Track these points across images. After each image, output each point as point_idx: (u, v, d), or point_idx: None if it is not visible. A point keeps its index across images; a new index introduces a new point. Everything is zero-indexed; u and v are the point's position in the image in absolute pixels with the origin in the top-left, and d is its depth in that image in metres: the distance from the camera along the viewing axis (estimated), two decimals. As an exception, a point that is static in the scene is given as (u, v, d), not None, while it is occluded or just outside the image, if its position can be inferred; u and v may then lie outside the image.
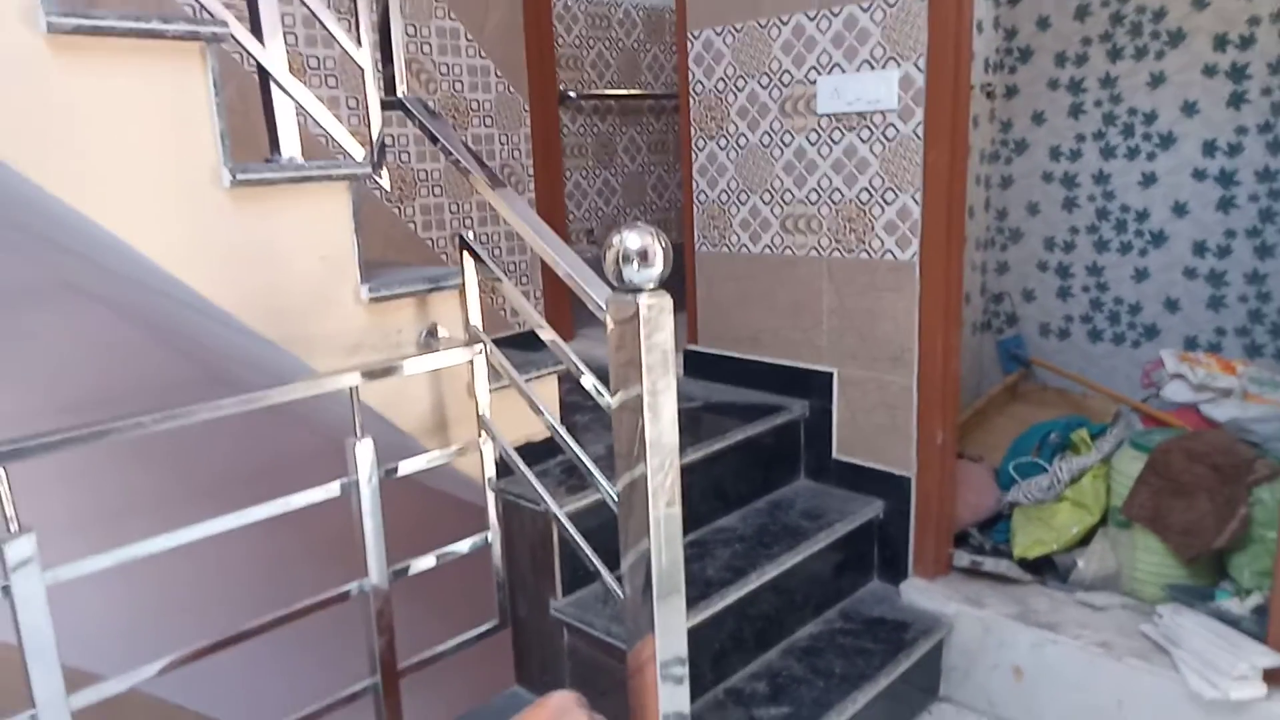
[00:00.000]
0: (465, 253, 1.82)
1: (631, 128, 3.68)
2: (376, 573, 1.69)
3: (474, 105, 3.06)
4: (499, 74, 3.11)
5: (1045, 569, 2.35)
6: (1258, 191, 2.80)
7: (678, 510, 1.52)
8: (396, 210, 2.87)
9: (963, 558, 2.38)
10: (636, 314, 1.41)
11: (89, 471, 2.25)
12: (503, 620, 1.99)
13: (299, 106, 1.63)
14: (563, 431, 1.71)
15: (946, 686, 2.28)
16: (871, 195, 2.26)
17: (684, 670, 1.58)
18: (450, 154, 1.77)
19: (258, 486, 1.64)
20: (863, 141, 2.25)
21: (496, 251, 3.19)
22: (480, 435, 1.89)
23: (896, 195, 2.22)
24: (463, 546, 1.88)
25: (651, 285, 1.43)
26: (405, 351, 1.82)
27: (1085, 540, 2.33)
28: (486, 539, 1.92)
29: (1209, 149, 2.87)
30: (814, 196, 2.39)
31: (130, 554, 1.37)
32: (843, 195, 2.33)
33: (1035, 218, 3.26)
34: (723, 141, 2.57)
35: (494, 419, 1.90)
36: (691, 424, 2.37)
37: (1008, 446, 2.66)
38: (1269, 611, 1.86)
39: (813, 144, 2.36)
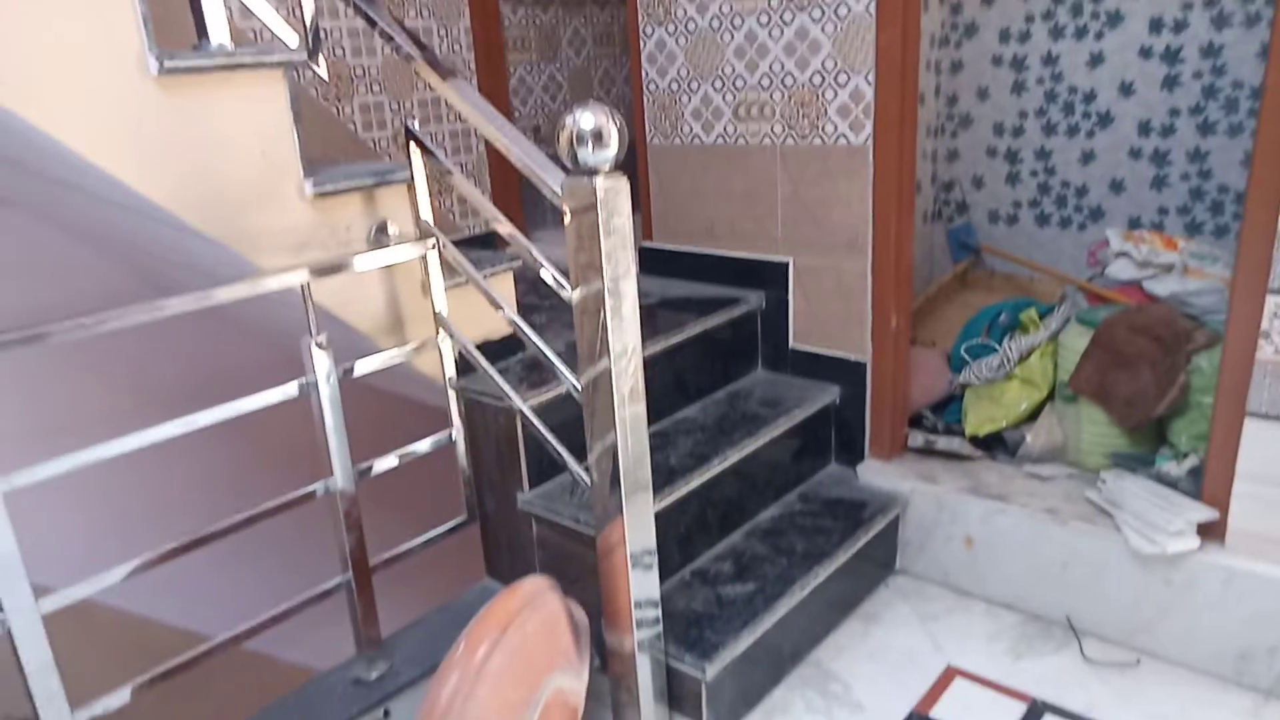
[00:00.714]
0: (412, 144, 1.76)
1: (575, 18, 3.55)
2: (341, 472, 1.68)
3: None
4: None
5: (995, 445, 2.43)
6: (1201, 68, 2.82)
7: (641, 396, 1.53)
8: (335, 109, 2.76)
9: (917, 438, 2.45)
10: (594, 197, 1.39)
11: (35, 387, 2.18)
12: (470, 515, 2.01)
13: (226, -9, 1.53)
14: (523, 325, 1.70)
15: (902, 560, 2.37)
16: (824, 78, 2.23)
17: (653, 556, 1.62)
18: (391, 40, 1.69)
19: (211, 397, 1.61)
20: (814, 21, 2.20)
21: (442, 152, 3.09)
22: (438, 333, 1.86)
23: (849, 77, 2.18)
24: (425, 445, 1.88)
25: (607, 167, 1.41)
26: (355, 249, 1.77)
27: (1034, 416, 2.41)
28: (450, 437, 1.92)
29: (1155, 26, 2.86)
30: (766, 82, 2.34)
31: (88, 458, 1.34)
32: (795, 79, 2.29)
33: (985, 103, 3.26)
34: (671, 27, 2.50)
35: (451, 317, 1.87)
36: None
37: (957, 332, 2.71)
38: (1203, 471, 1.96)
39: (764, 26, 2.30)
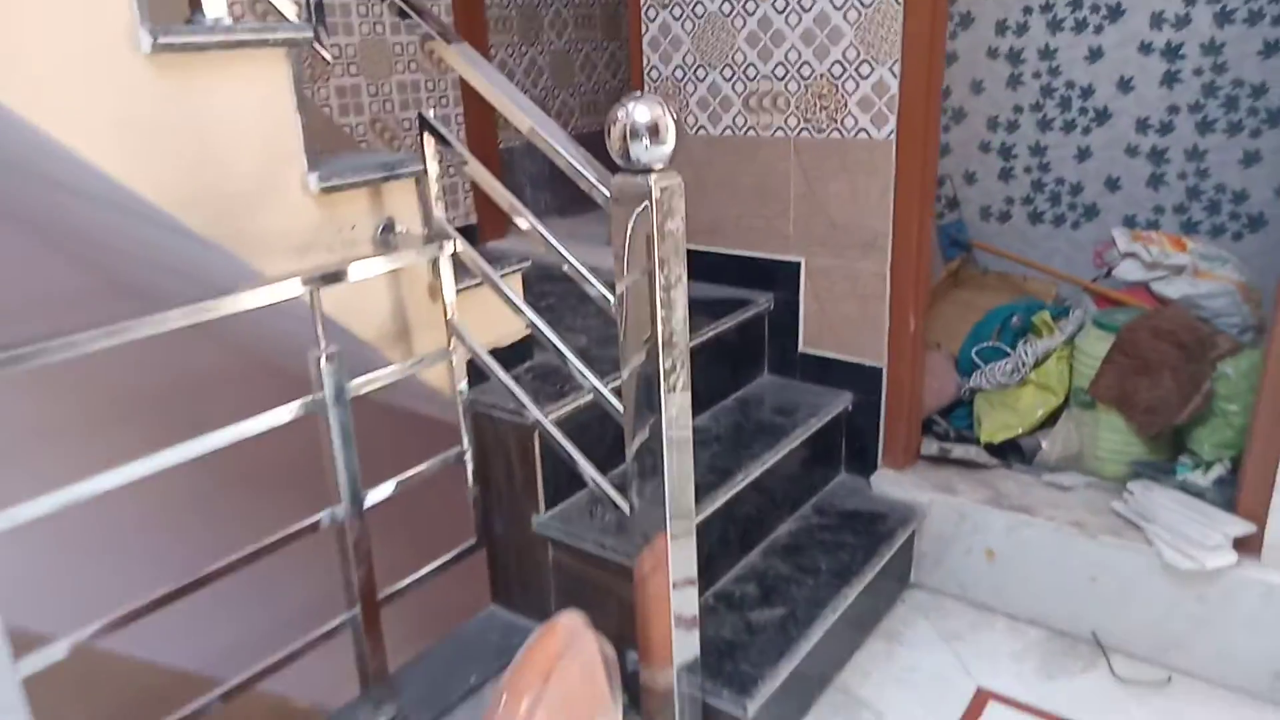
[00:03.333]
0: (427, 134, 1.59)
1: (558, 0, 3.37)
2: (349, 498, 1.52)
3: (380, -29, 2.71)
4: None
5: (1010, 452, 2.37)
6: (1202, 65, 2.79)
7: (689, 416, 1.41)
8: (308, 93, 2.55)
9: (930, 446, 2.37)
10: (649, 197, 1.25)
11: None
12: (479, 539, 1.86)
13: (222, -44, 1.34)
14: (553, 335, 1.55)
15: (917, 573, 2.29)
16: (845, 69, 2.12)
17: (694, 584, 1.51)
18: (407, 16, 1.51)
19: (170, 411, 1.43)
20: (836, 8, 2.09)
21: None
22: (450, 342, 1.70)
23: (873, 68, 2.07)
24: (433, 465, 1.72)
25: (662, 164, 1.27)
26: (360, 250, 1.60)
27: (1049, 422, 2.35)
28: (460, 455, 1.76)
29: (1156, 21, 2.82)
30: (781, 71, 2.22)
31: (68, 498, 1.16)
32: (813, 69, 2.17)
33: (979, 96, 3.19)
34: (677, 11, 2.35)
35: (461, 323, 1.71)
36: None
37: (958, 332, 2.63)
38: (1238, 482, 1.91)
39: (780, 12, 2.17)
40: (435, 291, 1.73)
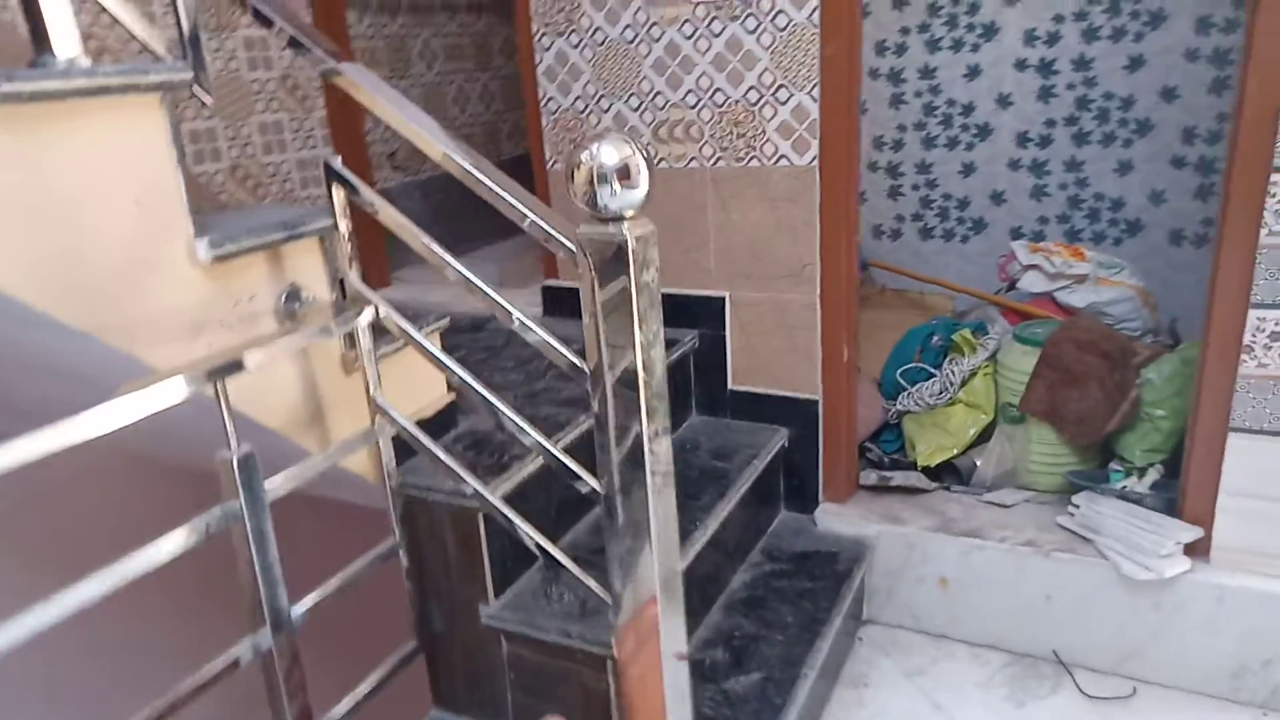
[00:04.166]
0: (336, 185, 1.37)
1: (425, 29, 3.16)
2: (275, 622, 1.27)
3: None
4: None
5: (945, 473, 2.33)
6: (1074, 80, 2.89)
7: (673, 480, 1.26)
8: (232, 131, 2.25)
9: (869, 476, 2.31)
10: (625, 249, 1.10)
11: None
12: (420, 640, 1.63)
13: (73, -18, 1.10)
14: (492, 398, 1.36)
15: (870, 608, 2.22)
16: (762, 95, 2.03)
17: (685, 647, 1.36)
18: (302, 44, 1.30)
19: (50, 539, 1.16)
20: (749, 33, 2.00)
21: (287, 185, 2.63)
22: (374, 421, 1.48)
23: (791, 93, 2.00)
24: (365, 564, 1.48)
25: (633, 211, 1.12)
26: (262, 325, 1.36)
27: (980, 440, 2.34)
28: (393, 548, 1.54)
29: (1029, 38, 2.91)
30: (692, 99, 2.11)
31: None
32: (727, 96, 2.07)
33: (863, 116, 3.20)
34: (574, 38, 2.21)
35: (384, 397, 1.50)
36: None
37: (873, 354, 2.60)
38: (1180, 486, 1.93)
39: (688, 38, 2.07)
40: (349, 363, 1.51)
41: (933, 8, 2.99)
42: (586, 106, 2.25)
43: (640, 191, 1.10)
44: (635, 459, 1.19)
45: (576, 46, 2.21)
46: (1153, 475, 2.08)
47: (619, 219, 1.12)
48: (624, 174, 1.09)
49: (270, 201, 2.58)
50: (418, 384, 1.66)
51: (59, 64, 1.10)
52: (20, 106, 1.02)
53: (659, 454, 1.21)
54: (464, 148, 1.28)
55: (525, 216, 1.19)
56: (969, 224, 3.17)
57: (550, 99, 2.30)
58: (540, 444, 1.31)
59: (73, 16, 1.12)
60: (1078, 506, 2.06)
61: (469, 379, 1.37)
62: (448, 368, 1.37)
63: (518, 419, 1.33)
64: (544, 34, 2.24)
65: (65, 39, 1.10)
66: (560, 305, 2.46)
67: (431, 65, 3.20)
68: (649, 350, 1.17)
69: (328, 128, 2.75)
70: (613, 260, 1.12)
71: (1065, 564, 1.98)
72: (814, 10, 1.91)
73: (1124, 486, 2.07)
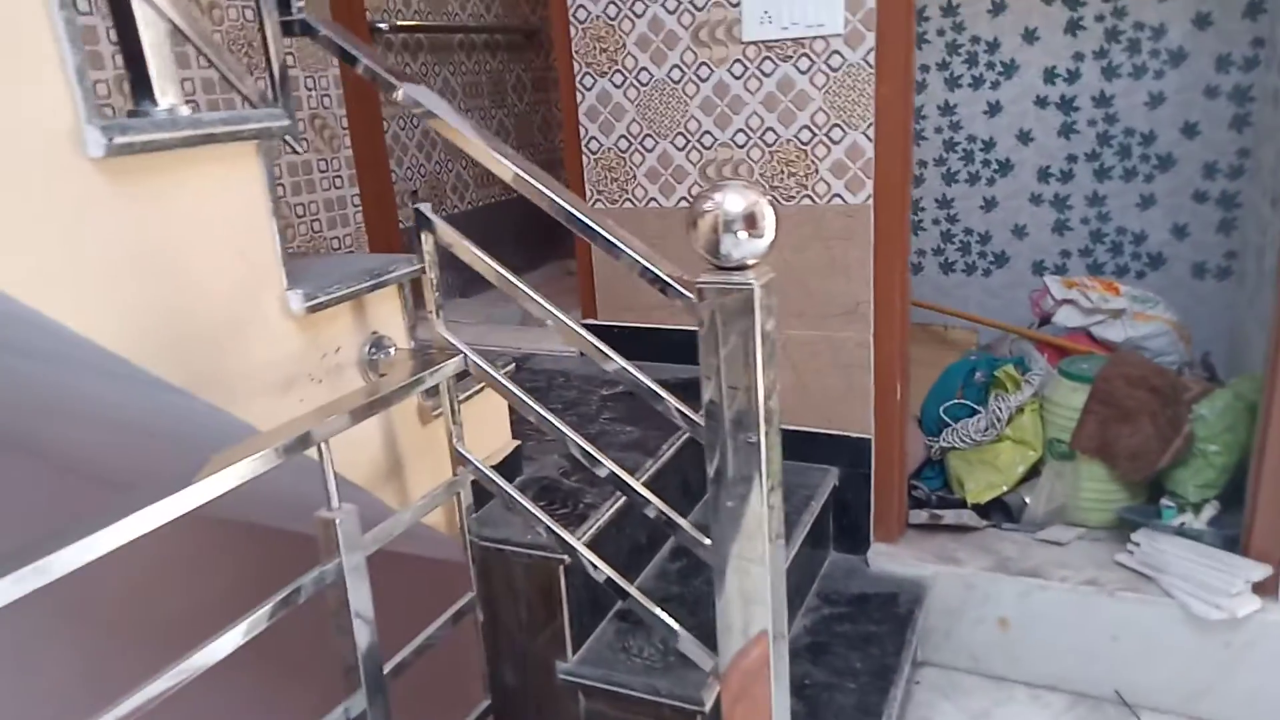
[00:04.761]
0: (425, 232, 1.33)
1: (444, 67, 3.14)
2: (369, 684, 1.21)
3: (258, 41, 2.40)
4: None
5: (993, 510, 2.31)
6: (1095, 116, 2.93)
7: (783, 534, 1.23)
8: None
9: (919, 514, 2.28)
10: (750, 300, 1.07)
11: None
12: (493, 698, 1.57)
13: (178, 31, 1.06)
14: (598, 454, 1.31)
15: (925, 650, 2.18)
16: (814, 134, 2.02)
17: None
18: (396, 92, 1.26)
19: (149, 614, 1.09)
20: (801, 73, 2.00)
21: (315, 225, 2.58)
22: (455, 471, 1.43)
23: (845, 132, 1.99)
24: (447, 619, 1.43)
25: (755, 260, 1.10)
26: (347, 376, 1.31)
27: (1029, 476, 2.32)
28: (471, 603, 1.48)
29: (1049, 76, 2.94)
30: (741, 138, 2.10)
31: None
32: (778, 135, 2.06)
33: (884, 152, 3.22)
34: (618, 78, 2.20)
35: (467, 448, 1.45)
36: (634, 412, 2.04)
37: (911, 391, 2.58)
38: (1245, 525, 1.92)
39: (737, 77, 2.06)
40: (425, 413, 1.46)
41: (952, 46, 3.03)
42: (630, 145, 2.23)
43: (766, 240, 1.07)
44: (753, 512, 1.15)
45: (620, 86, 2.20)
46: (1209, 511, 2.07)
47: (742, 267, 1.09)
48: (750, 222, 1.06)
49: (299, 242, 2.54)
50: (486, 432, 1.62)
51: (160, 112, 1.06)
52: (134, 158, 0.98)
53: (776, 507, 1.18)
54: (579, 203, 1.25)
55: (645, 267, 1.16)
56: (990, 258, 3.18)
57: (592, 138, 2.28)
58: (660, 510, 1.27)
59: (172, 63, 1.08)
60: (1138, 544, 2.05)
61: (562, 427, 1.33)
62: (547, 419, 1.33)
63: (626, 477, 1.28)
64: (586, 74, 2.23)
65: (167, 86, 1.06)
66: (599, 345, 2.42)
67: (450, 102, 3.18)
68: (769, 401, 1.14)
69: (353, 167, 2.71)
70: (734, 310, 1.09)
71: (1130, 603, 1.95)
72: (869, 51, 1.92)
73: (1181, 523, 2.06)
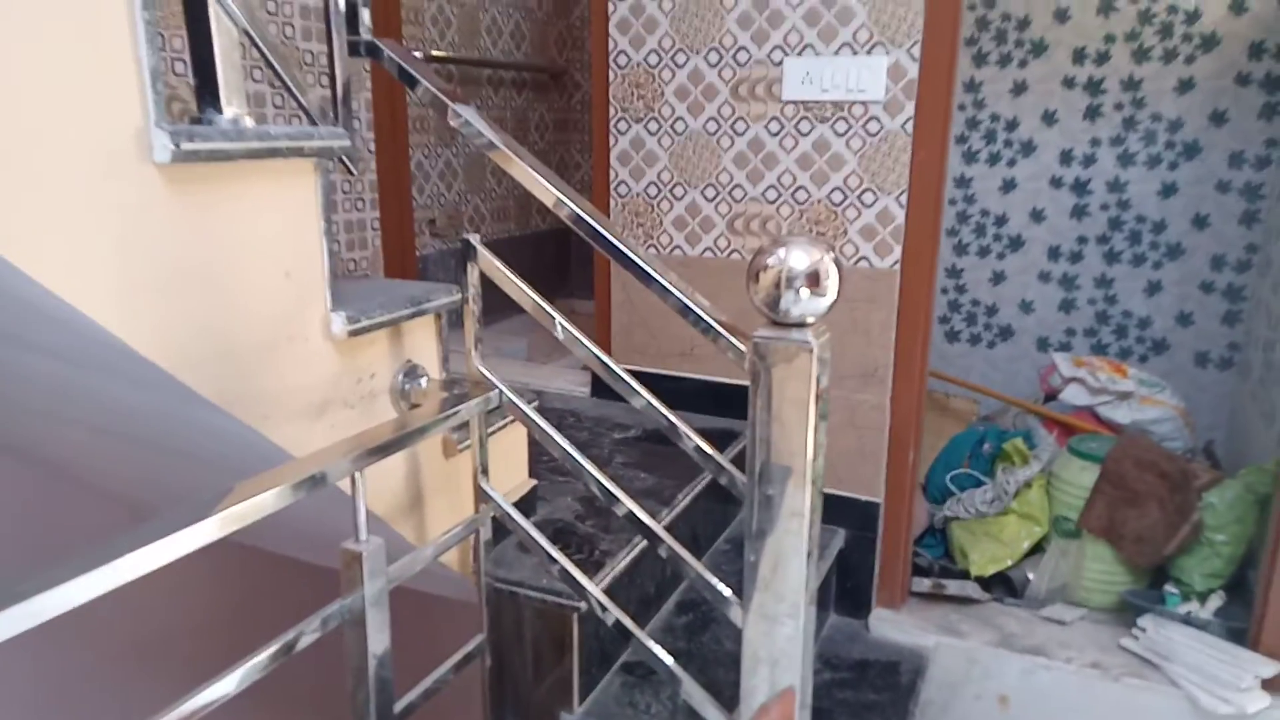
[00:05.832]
0: (470, 263, 1.32)
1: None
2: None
3: (307, 59, 2.41)
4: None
5: (995, 584, 2.29)
6: (1108, 201, 2.97)
7: (814, 601, 1.21)
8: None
9: (921, 582, 2.26)
10: (811, 358, 1.06)
11: None
12: (493, 747, 1.51)
13: (250, 38, 1.05)
14: (630, 501, 1.29)
15: (922, 723, 2.14)
16: (846, 196, 2.04)
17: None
18: (477, 130, 1.26)
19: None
20: (838, 135, 2.01)
21: (334, 247, 2.55)
22: (477, 508, 1.40)
23: (877, 197, 2.01)
24: (456, 661, 1.38)
25: (815, 318, 1.10)
26: (379, 404, 1.29)
27: (1033, 552, 2.31)
28: (480, 645, 1.44)
29: (1065, 158, 3.00)
30: (772, 194, 2.11)
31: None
32: (809, 194, 2.07)
33: (898, 218, 3.25)
34: (653, 125, 2.21)
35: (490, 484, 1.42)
36: (648, 458, 2.02)
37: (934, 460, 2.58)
38: (1256, 619, 1.91)
39: (774, 134, 2.08)
40: (450, 446, 1.43)
41: (972, 121, 3.08)
42: (659, 192, 2.24)
43: (829, 298, 1.07)
44: (792, 572, 1.13)
45: (654, 134, 2.21)
46: (1215, 601, 2.07)
47: (801, 325, 1.09)
48: (814, 280, 1.06)
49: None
50: (507, 469, 1.59)
51: (224, 121, 1.04)
52: (197, 166, 0.96)
53: (813, 569, 1.16)
54: (642, 256, 1.25)
55: (701, 318, 1.15)
56: (996, 330, 3.21)
57: (621, 182, 2.28)
58: (691, 564, 1.24)
59: (240, 72, 1.07)
60: (1144, 630, 2.03)
61: (588, 467, 1.30)
62: (577, 462, 1.30)
63: (670, 541, 1.26)
64: (621, 119, 2.24)
65: (234, 95, 1.05)
66: (609, 388, 2.40)
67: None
68: (816, 461, 1.13)
69: (376, 192, 2.70)
70: (790, 367, 1.08)
71: (1135, 690, 1.93)
72: (907, 120, 1.94)
73: (1188, 612, 2.05)
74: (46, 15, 0.80)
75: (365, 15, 1.26)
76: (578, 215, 1.20)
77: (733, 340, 1.14)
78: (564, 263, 3.69)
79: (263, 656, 0.98)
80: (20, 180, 0.80)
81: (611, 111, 2.25)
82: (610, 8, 2.18)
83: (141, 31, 0.89)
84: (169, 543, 0.83)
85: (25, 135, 0.80)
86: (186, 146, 0.93)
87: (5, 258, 0.81)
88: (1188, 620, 2.03)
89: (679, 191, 2.22)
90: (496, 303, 1.36)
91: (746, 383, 2.22)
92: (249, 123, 1.06)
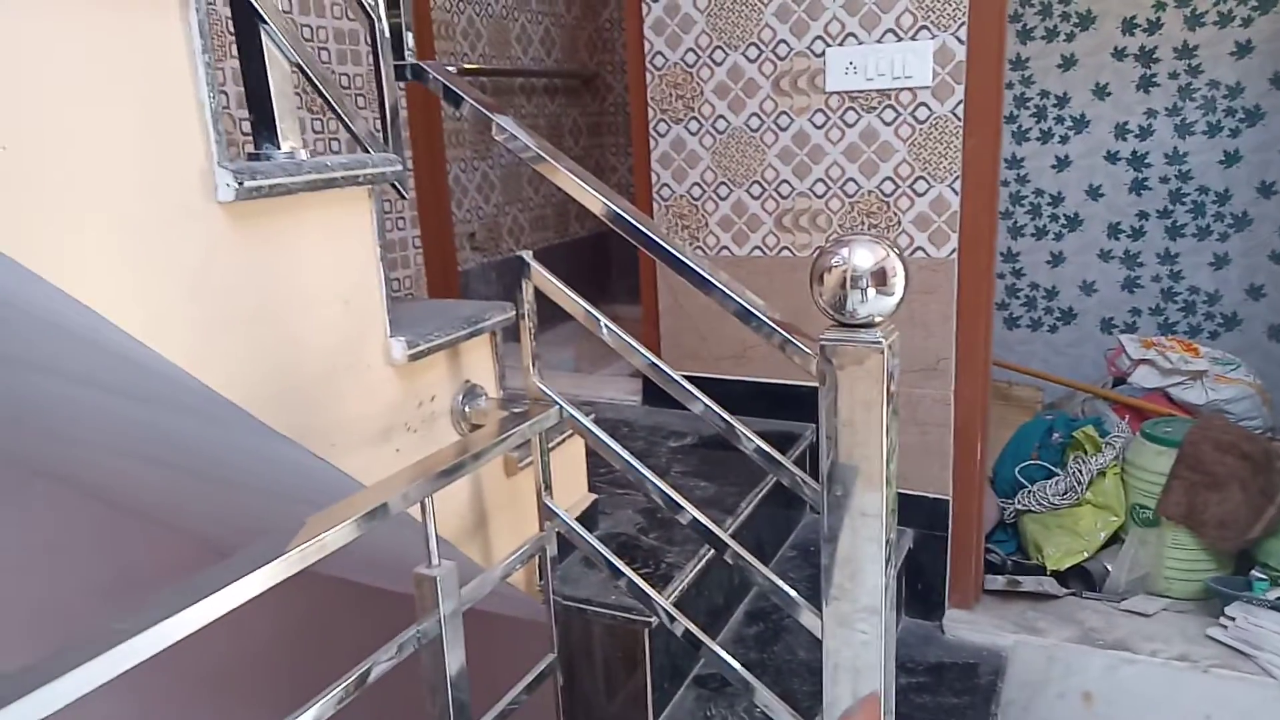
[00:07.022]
0: (526, 280, 1.30)
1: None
2: (458, 757, 1.16)
3: (343, 80, 2.42)
4: (369, 40, 2.48)
5: (1071, 577, 2.23)
6: (1168, 173, 2.88)
7: (894, 605, 1.17)
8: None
9: (995, 580, 2.20)
10: (882, 359, 1.03)
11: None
12: (570, 767, 1.50)
13: (303, 72, 1.04)
14: (704, 519, 1.26)
15: (1003, 723, 2.08)
16: (897, 185, 1.99)
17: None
18: (523, 144, 1.24)
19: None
20: (886, 124, 1.97)
21: (389, 271, 2.56)
22: (542, 526, 1.38)
23: (930, 185, 1.96)
24: (529, 682, 1.37)
25: (882, 318, 1.06)
26: (439, 426, 1.28)
27: (1110, 542, 2.23)
28: (551, 666, 1.42)
29: (1121, 132, 2.90)
30: (821, 188, 2.07)
31: None
32: (859, 186, 2.03)
33: (947, 204, 3.18)
34: (694, 125, 2.18)
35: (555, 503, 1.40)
36: (707, 466, 1.99)
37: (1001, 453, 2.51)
38: (1352, 604, 1.83)
39: (819, 127, 2.04)
40: (511, 465, 1.42)
41: (1020, 99, 3.00)
42: (703, 193, 2.21)
43: (896, 297, 1.03)
44: (870, 581, 1.10)
45: (695, 134, 2.18)
46: (1308, 586, 1.98)
47: (869, 325, 1.05)
48: (879, 278, 1.02)
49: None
50: (568, 485, 1.57)
51: (281, 156, 1.03)
52: (253, 202, 0.95)
53: (892, 576, 1.12)
54: (703, 264, 1.22)
55: (763, 321, 1.12)
56: (1057, 314, 3.12)
57: (664, 185, 2.25)
58: (768, 578, 1.22)
59: (294, 106, 1.06)
60: (1232, 618, 1.95)
61: (659, 484, 1.28)
62: (640, 473, 1.28)
63: (731, 542, 1.23)
64: (661, 120, 2.21)
65: (290, 129, 1.04)
66: (661, 395, 2.38)
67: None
68: (890, 465, 1.10)
69: (416, 209, 2.70)
70: (860, 369, 1.05)
71: (1226, 681, 1.86)
72: (958, 104, 1.88)
73: (1278, 598, 1.96)
74: (120, 66, 0.80)
75: (409, 39, 1.25)
76: (630, 223, 1.18)
77: (798, 344, 1.10)
78: (604, 267, 3.68)
79: (338, 689, 0.97)
80: (98, 224, 0.80)
81: (650, 114, 2.22)
82: (644, 9, 2.15)
83: (202, 74, 0.88)
84: (256, 577, 0.83)
85: (106, 183, 0.81)
86: (249, 184, 0.92)
87: (90, 306, 0.81)
88: (1278, 607, 1.95)
89: (723, 191, 2.18)
90: (540, 312, 1.34)
91: (802, 384, 2.19)
92: (304, 155, 1.05)
